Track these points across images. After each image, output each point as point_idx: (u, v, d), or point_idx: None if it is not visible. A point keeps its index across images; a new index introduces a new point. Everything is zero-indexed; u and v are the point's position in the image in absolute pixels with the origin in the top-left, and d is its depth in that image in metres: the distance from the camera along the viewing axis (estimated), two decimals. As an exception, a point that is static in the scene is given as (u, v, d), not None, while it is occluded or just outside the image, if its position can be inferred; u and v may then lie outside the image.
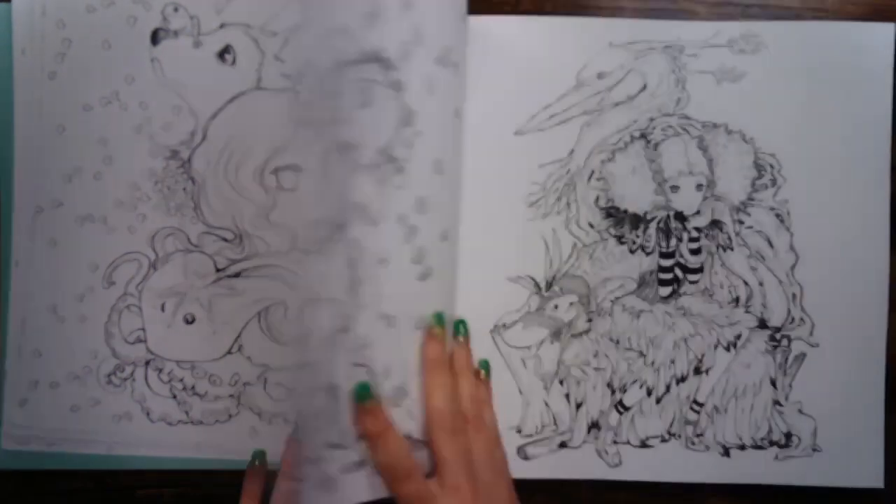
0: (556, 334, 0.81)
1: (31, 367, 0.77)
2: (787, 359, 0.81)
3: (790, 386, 0.81)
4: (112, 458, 0.80)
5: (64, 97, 0.77)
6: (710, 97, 0.80)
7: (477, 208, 0.80)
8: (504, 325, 0.81)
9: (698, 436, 0.81)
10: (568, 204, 0.80)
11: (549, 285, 0.81)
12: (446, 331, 0.72)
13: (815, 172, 0.80)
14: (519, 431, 0.81)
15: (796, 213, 0.80)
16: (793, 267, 0.80)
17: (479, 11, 0.79)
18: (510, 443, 0.80)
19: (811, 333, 0.81)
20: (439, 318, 0.71)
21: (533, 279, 0.80)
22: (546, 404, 0.81)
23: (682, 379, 0.81)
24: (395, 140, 0.68)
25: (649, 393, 0.81)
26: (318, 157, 0.68)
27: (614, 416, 0.81)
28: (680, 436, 0.81)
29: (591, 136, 0.80)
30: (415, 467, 0.68)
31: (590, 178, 0.80)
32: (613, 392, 0.81)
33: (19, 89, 0.77)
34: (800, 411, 0.81)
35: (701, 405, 0.81)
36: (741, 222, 0.80)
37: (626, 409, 0.81)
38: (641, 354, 0.81)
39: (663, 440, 0.81)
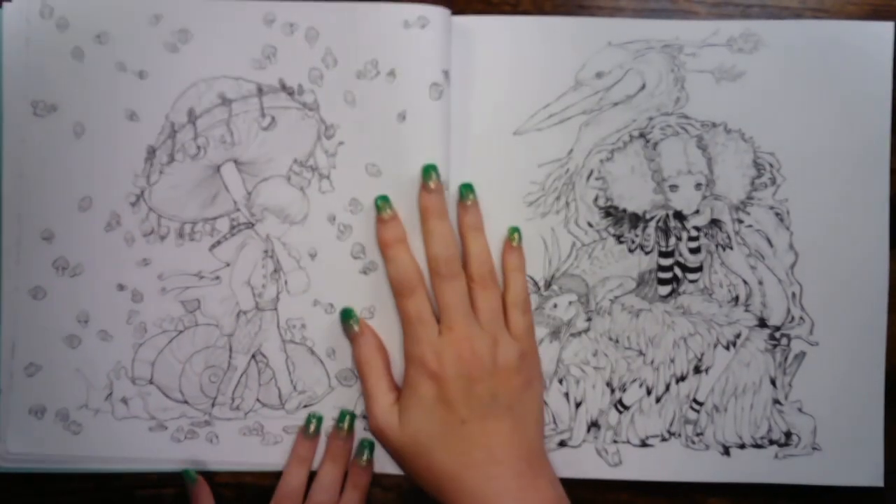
0: (555, 333, 0.80)
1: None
2: (786, 358, 0.80)
3: (790, 385, 0.80)
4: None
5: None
6: (708, 96, 0.79)
7: None
8: (501, 326, 0.80)
9: (698, 435, 0.81)
10: (567, 203, 0.79)
11: (548, 284, 0.80)
12: (440, 183, 0.77)
13: (814, 171, 0.79)
14: None
15: (796, 211, 0.79)
16: (792, 266, 0.80)
17: (479, 12, 0.79)
18: (510, 442, 0.81)
19: (811, 332, 0.80)
20: (429, 170, 0.76)
21: (532, 278, 0.80)
22: (545, 403, 0.80)
23: (682, 378, 0.81)
24: (315, 151, 0.78)
25: (649, 392, 0.81)
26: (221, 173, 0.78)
27: (614, 415, 0.81)
28: (680, 435, 0.81)
29: (589, 136, 0.79)
30: (421, 286, 0.76)
31: (589, 177, 0.79)
32: (613, 391, 0.81)
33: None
34: (800, 410, 0.80)
35: (701, 404, 0.81)
36: (740, 221, 0.80)
37: (626, 408, 0.81)
38: (641, 353, 0.80)
39: (663, 439, 0.81)
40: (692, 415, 0.81)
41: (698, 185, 0.79)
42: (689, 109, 0.79)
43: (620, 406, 0.81)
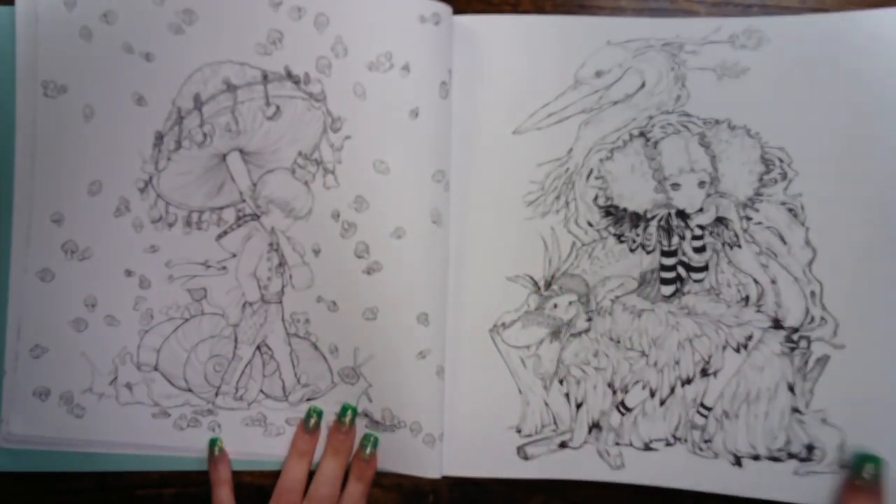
0: (555, 333, 0.80)
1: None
2: (806, 362, 0.76)
3: (811, 392, 0.76)
4: (112, 459, 0.80)
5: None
6: (711, 94, 0.78)
7: (475, 207, 0.80)
8: (503, 325, 0.80)
9: (706, 442, 0.78)
10: (567, 203, 0.80)
11: (549, 284, 0.80)
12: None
13: (829, 165, 0.77)
14: (518, 431, 0.80)
15: (811, 207, 0.77)
16: (810, 263, 0.77)
17: (479, 11, 0.80)
18: (510, 442, 0.80)
19: (835, 334, 0.76)
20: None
21: (532, 278, 0.80)
22: (546, 404, 0.80)
23: (688, 381, 0.79)
24: (320, 144, 0.77)
25: (652, 394, 0.79)
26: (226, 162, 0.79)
27: (616, 416, 0.80)
28: (686, 440, 0.78)
29: (589, 135, 0.79)
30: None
31: (588, 176, 0.79)
32: (615, 392, 0.80)
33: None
34: (823, 421, 0.76)
35: (709, 409, 0.78)
36: (749, 218, 0.78)
37: (628, 409, 0.80)
38: (643, 354, 0.79)
39: (668, 444, 0.79)
40: (699, 420, 0.79)
41: (702, 183, 0.78)
42: (690, 107, 0.79)
43: (622, 408, 0.80)
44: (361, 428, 0.80)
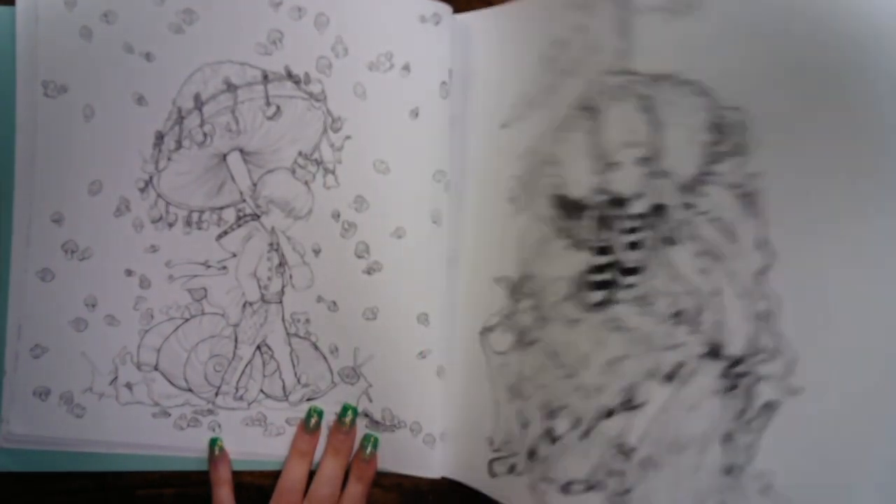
0: (519, 341, 0.73)
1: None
2: (749, 406, 0.55)
3: (754, 447, 0.55)
4: (112, 459, 0.80)
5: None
6: (658, 42, 0.61)
7: (471, 206, 0.79)
8: (488, 328, 0.77)
9: (625, 492, 0.62)
10: (533, 197, 0.72)
11: (520, 286, 0.74)
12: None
13: (802, 133, 0.54)
14: (491, 443, 0.75)
15: (774, 191, 0.55)
16: (764, 270, 0.55)
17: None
18: (484, 454, 0.76)
19: (791, 371, 0.54)
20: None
21: (511, 279, 0.75)
22: (508, 418, 0.74)
23: (609, 413, 0.63)
24: (320, 144, 0.77)
25: (576, 424, 0.65)
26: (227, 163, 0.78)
27: (545, 445, 0.68)
28: (605, 487, 0.63)
29: (544, 118, 0.72)
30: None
31: (545, 165, 0.71)
32: (548, 416, 0.68)
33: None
34: (767, 488, 0.54)
35: (631, 451, 0.62)
36: (691, 206, 0.59)
37: (557, 438, 0.67)
38: (569, 376, 0.66)
39: (587, 488, 0.64)
40: (618, 463, 0.63)
41: (641, 160, 0.61)
42: (637, 63, 0.62)
43: (551, 436, 0.68)
44: (361, 428, 0.80)
